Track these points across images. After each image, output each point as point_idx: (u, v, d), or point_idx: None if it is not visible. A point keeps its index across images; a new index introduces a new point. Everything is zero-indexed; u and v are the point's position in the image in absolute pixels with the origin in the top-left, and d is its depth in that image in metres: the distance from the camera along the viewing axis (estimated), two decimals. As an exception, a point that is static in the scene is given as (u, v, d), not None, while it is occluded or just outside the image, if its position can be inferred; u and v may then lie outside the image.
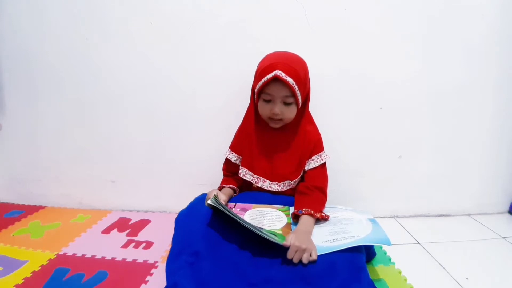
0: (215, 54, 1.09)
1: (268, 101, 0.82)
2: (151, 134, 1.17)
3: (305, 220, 0.80)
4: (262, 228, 0.75)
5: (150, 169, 1.20)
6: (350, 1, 1.05)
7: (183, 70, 1.11)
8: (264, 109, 0.84)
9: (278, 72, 0.77)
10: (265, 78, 0.78)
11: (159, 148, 1.18)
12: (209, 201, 0.72)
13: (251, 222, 0.77)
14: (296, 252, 0.69)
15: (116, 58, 1.11)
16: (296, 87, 0.79)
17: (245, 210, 0.84)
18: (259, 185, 0.90)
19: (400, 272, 0.86)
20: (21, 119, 1.20)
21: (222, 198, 0.82)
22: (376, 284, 0.73)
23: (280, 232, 0.76)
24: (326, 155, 0.92)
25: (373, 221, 0.81)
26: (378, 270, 0.87)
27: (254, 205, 0.87)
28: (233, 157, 0.93)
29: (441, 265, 0.91)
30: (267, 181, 0.90)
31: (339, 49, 1.09)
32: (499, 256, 0.97)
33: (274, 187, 0.90)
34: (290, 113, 0.84)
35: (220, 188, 0.92)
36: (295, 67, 0.79)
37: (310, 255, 0.68)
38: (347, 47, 1.09)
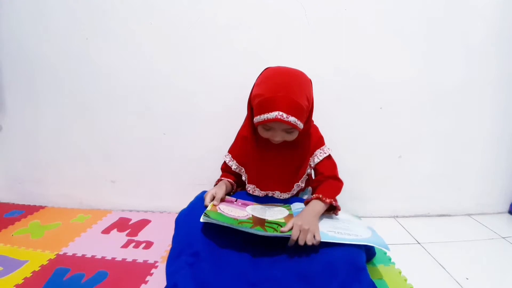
0: (215, 54, 1.09)
1: (268, 130, 0.80)
2: (151, 134, 1.17)
3: (313, 203, 0.79)
4: (264, 219, 0.74)
5: (150, 169, 1.20)
6: (350, 1, 1.05)
7: (183, 70, 1.11)
8: (263, 134, 0.82)
9: (279, 115, 0.72)
10: (265, 117, 0.74)
11: (159, 148, 1.18)
12: (201, 219, 0.69)
13: (252, 213, 0.77)
14: (299, 232, 0.68)
15: (116, 58, 1.11)
16: (298, 122, 0.75)
17: (246, 205, 0.83)
18: (269, 195, 0.91)
19: (400, 272, 0.86)
20: (21, 119, 1.20)
21: (220, 195, 0.81)
22: (376, 284, 0.73)
23: (283, 221, 0.75)
24: (328, 149, 0.92)
25: (371, 228, 0.81)
26: (378, 270, 0.87)
27: (255, 202, 0.87)
28: (234, 165, 0.93)
29: (441, 265, 0.91)
30: (276, 192, 0.90)
31: (339, 49, 1.09)
32: (499, 256, 0.97)
33: (284, 196, 0.91)
34: (292, 137, 0.81)
35: (217, 183, 0.92)
36: (297, 98, 0.74)
37: (314, 237, 0.68)
38: (347, 47, 1.09)
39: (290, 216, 0.79)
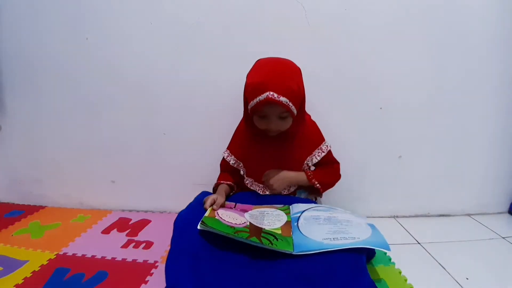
0: (215, 54, 1.09)
1: (263, 117, 0.82)
2: (151, 134, 1.17)
3: (300, 174, 0.91)
4: (262, 228, 0.75)
5: (150, 169, 1.20)
6: (350, 1, 1.05)
7: (183, 70, 1.11)
8: (259, 124, 0.84)
9: (270, 94, 0.74)
10: (257, 100, 0.76)
11: (159, 148, 1.18)
12: (198, 227, 0.70)
13: (250, 220, 0.77)
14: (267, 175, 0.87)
15: (116, 58, 1.11)
16: (290, 103, 0.77)
17: (245, 211, 0.84)
18: (267, 193, 0.91)
19: (400, 272, 0.86)
20: (21, 119, 1.20)
21: (220, 202, 0.82)
22: (376, 284, 0.73)
23: (279, 231, 0.75)
24: (327, 146, 0.93)
25: (372, 226, 0.80)
26: (378, 270, 0.87)
27: (254, 206, 0.87)
28: (232, 160, 0.94)
29: (441, 265, 0.91)
30: None
31: (339, 49, 1.09)
32: (499, 256, 0.97)
33: (283, 191, 0.91)
34: (286, 125, 0.83)
35: (217, 186, 0.92)
36: (287, 82, 0.77)
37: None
38: (347, 47, 1.09)
39: (288, 223, 0.79)
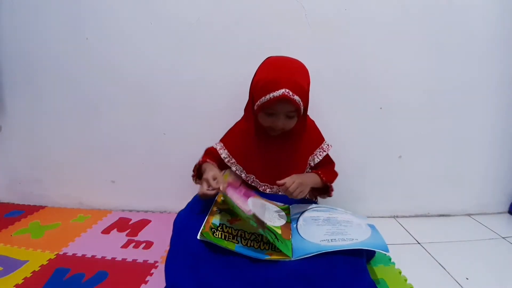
0: (215, 54, 1.09)
1: (270, 114, 0.81)
2: (151, 134, 1.17)
3: (312, 175, 0.88)
4: (265, 223, 0.74)
5: (150, 169, 1.20)
6: (350, 1, 1.05)
7: (183, 70, 1.11)
8: (265, 121, 0.83)
9: (286, 92, 0.74)
10: (271, 96, 0.75)
11: (159, 148, 1.18)
12: (198, 237, 0.69)
13: (253, 209, 0.75)
14: (294, 184, 0.78)
15: (116, 58, 1.11)
16: (301, 103, 0.78)
17: (248, 195, 0.81)
18: (267, 191, 0.91)
19: (400, 272, 0.86)
20: (21, 119, 1.20)
21: (221, 178, 0.77)
22: (376, 284, 0.73)
23: (280, 231, 0.75)
24: (328, 145, 0.93)
25: (372, 227, 0.80)
26: (378, 270, 0.87)
27: (256, 195, 0.86)
28: (224, 154, 0.91)
29: (441, 265, 0.91)
30: (274, 187, 0.90)
31: (339, 49, 1.09)
32: (499, 256, 0.97)
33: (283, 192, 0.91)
34: (292, 123, 0.83)
35: (203, 162, 0.89)
36: (300, 81, 0.77)
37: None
38: (347, 47, 1.09)
39: (288, 225, 0.79)
